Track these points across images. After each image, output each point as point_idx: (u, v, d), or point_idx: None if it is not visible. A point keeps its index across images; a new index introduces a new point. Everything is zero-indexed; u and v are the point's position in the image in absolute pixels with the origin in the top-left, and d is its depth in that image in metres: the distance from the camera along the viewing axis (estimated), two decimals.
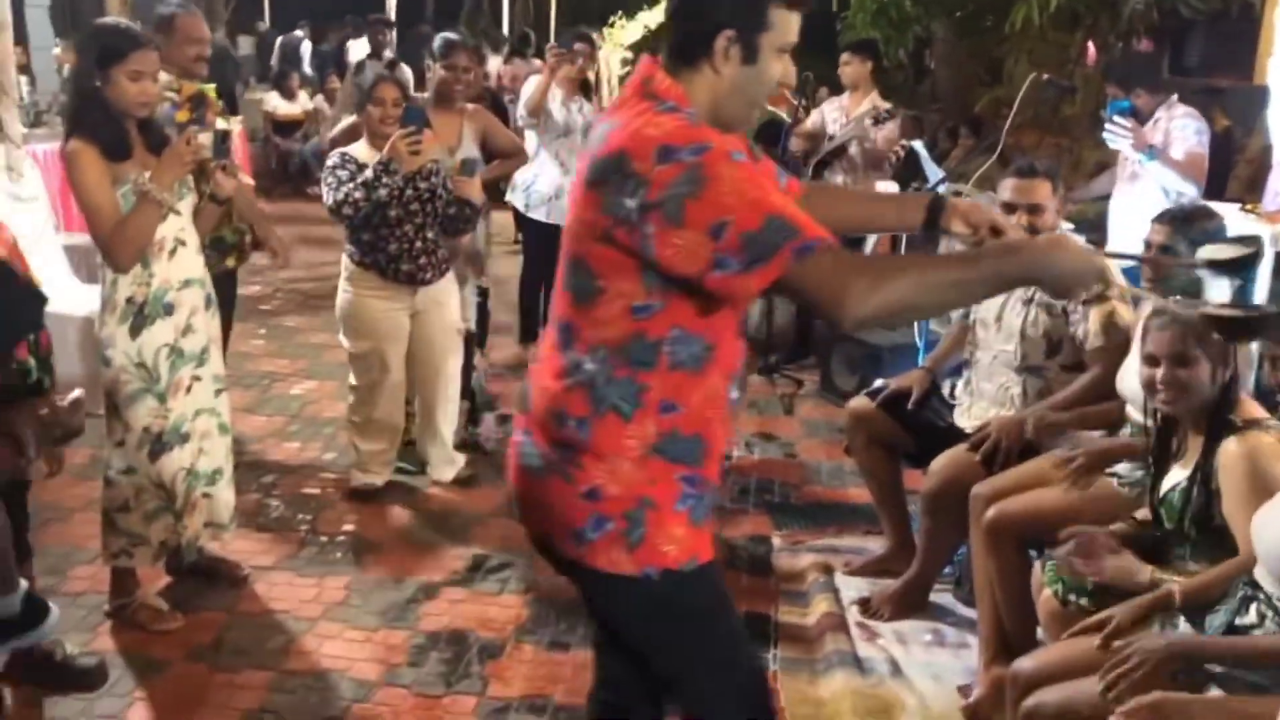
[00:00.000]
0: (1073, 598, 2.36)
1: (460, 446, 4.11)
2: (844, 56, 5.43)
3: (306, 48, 12.77)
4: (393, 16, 8.38)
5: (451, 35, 4.26)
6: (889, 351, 4.73)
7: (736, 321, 1.70)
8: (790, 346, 5.63)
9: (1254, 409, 2.28)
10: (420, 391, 3.91)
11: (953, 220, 1.85)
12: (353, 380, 3.84)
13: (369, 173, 3.49)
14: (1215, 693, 1.89)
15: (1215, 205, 3.42)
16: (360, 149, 3.65)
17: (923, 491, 3.05)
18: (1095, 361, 2.93)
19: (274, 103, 10.57)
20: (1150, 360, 2.28)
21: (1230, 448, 2.16)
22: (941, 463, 3.00)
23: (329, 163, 3.62)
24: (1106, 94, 4.25)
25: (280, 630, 3.00)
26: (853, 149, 5.28)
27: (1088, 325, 2.96)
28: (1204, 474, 2.22)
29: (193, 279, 2.90)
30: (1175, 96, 4.22)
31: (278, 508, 3.75)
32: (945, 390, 3.36)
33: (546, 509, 1.69)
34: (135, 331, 2.80)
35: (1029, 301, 3.06)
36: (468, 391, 4.21)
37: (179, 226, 2.84)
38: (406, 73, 7.06)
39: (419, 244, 3.64)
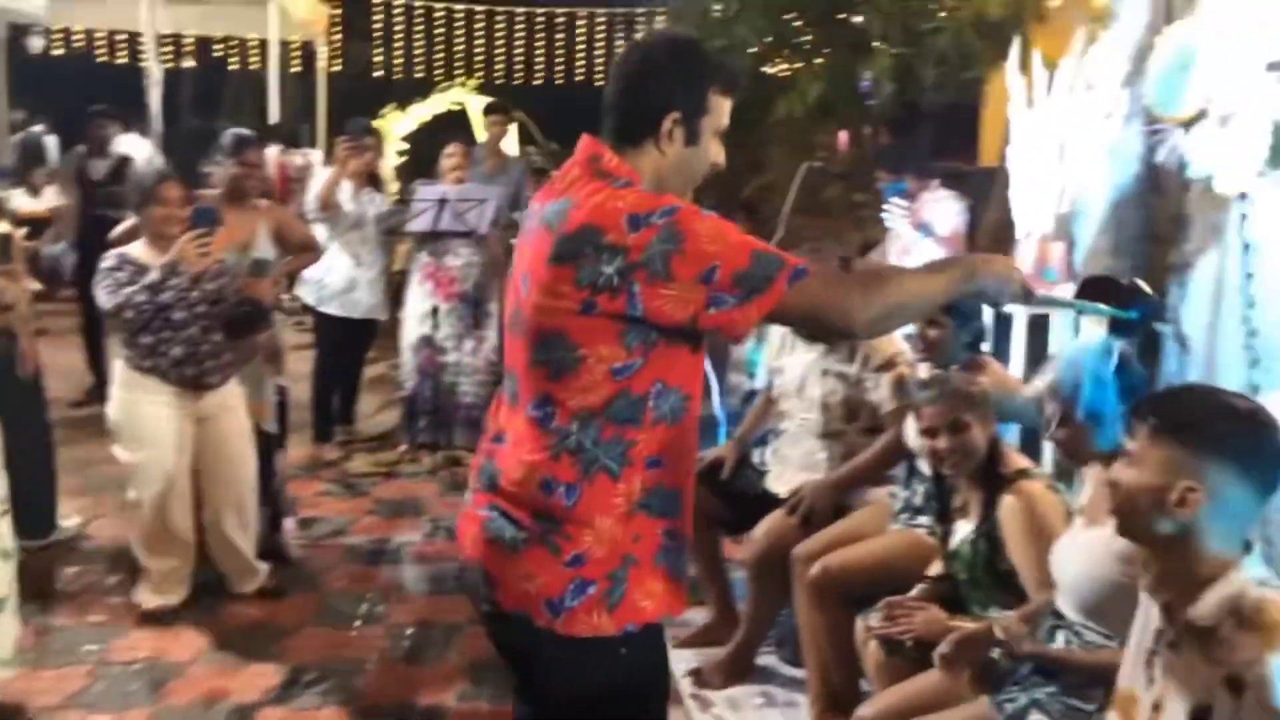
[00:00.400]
0: (900, 648, 2.50)
1: (263, 556, 3.90)
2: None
3: (51, 140, 11.95)
4: (157, 109, 8.01)
5: (243, 131, 4.18)
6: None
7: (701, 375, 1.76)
8: None
9: (1018, 459, 2.54)
10: (212, 501, 3.69)
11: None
12: (132, 494, 3.58)
13: (155, 275, 3.33)
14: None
15: None
16: (138, 249, 3.48)
17: (748, 558, 3.17)
18: (891, 423, 3.15)
19: (18, 200, 9.82)
20: (928, 433, 2.50)
21: (1007, 501, 2.39)
22: (763, 529, 3.12)
23: (105, 264, 3.42)
24: (877, 179, 4.63)
25: None
26: None
27: (881, 391, 3.18)
28: (987, 527, 2.44)
29: None
30: (937, 181, 4.66)
31: (61, 640, 3.41)
32: (755, 459, 3.50)
33: (525, 579, 1.67)
34: None
35: (826, 373, 3.26)
36: (268, 497, 4.01)
37: None
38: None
39: (205, 347, 3.49)
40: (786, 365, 3.37)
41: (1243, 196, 3.54)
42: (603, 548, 1.65)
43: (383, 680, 3.26)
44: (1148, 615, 1.65)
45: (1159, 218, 4.06)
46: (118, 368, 3.49)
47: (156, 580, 3.58)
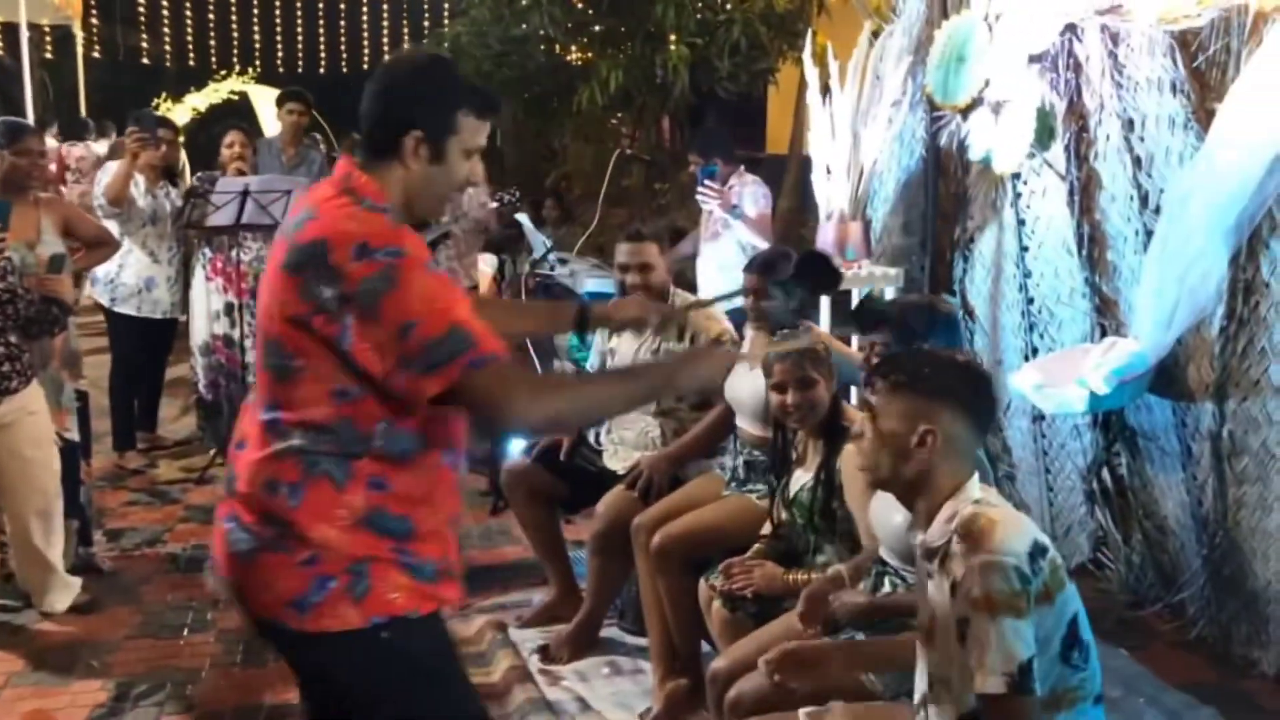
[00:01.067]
0: (737, 606, 2.66)
1: (73, 570, 3.67)
2: None
3: None
4: None
5: (18, 120, 3.88)
6: None
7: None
8: None
9: (856, 414, 2.74)
10: (15, 513, 3.45)
11: (598, 319, 2.24)
12: None
13: None
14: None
15: None
16: None
17: (591, 534, 3.25)
18: (719, 398, 3.31)
19: None
20: (778, 388, 2.66)
21: (849, 450, 2.58)
22: (606, 504, 3.22)
23: None
24: (690, 164, 4.80)
25: None
26: (456, 229, 5.43)
27: None
28: (827, 473, 2.63)
29: None
30: (743, 168, 4.87)
31: None
32: (591, 438, 3.59)
33: (265, 587, 1.67)
34: None
35: (656, 353, 3.38)
36: (75, 508, 3.76)
37: None
38: None
39: (0, 349, 3.25)
40: (619, 346, 3.48)
41: (1016, 176, 3.93)
42: (333, 550, 1.65)
43: (221, 685, 3.16)
44: (918, 553, 1.86)
45: (943, 197, 4.43)
46: None
47: None
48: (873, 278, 4.44)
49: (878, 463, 1.81)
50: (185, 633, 3.49)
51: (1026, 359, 3.92)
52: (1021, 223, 3.96)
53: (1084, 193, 3.64)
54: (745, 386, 3.01)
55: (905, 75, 4.40)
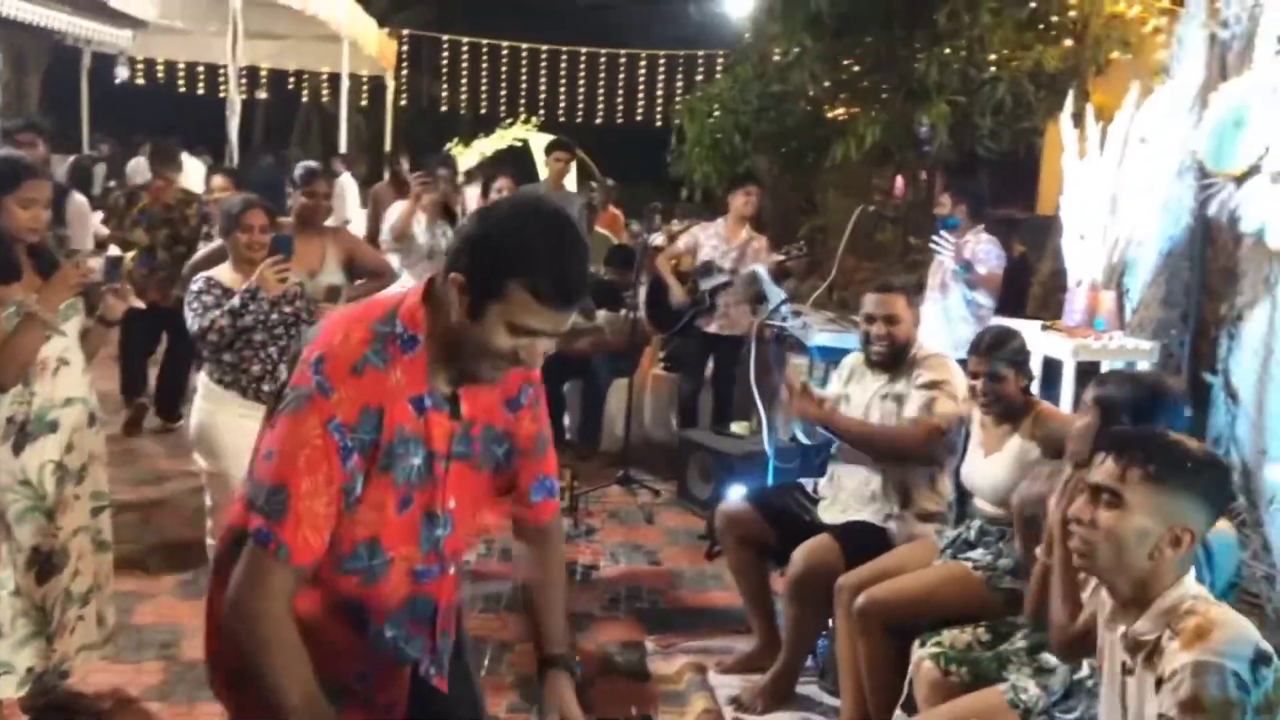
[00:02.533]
0: (953, 669, 2.59)
1: None
2: (749, 188, 5.85)
3: (100, 169, 12.42)
4: (234, 138, 8.35)
5: (311, 163, 4.40)
6: (740, 459, 4.98)
7: (341, 570, 1.63)
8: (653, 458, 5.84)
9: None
10: None
11: (554, 696, 1.82)
12: (209, 502, 3.76)
13: (236, 301, 3.52)
14: None
15: (1018, 322, 3.89)
16: (224, 273, 3.68)
17: (787, 578, 3.24)
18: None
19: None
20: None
21: None
22: (804, 550, 3.21)
23: (193, 288, 3.62)
24: (935, 210, 4.75)
25: None
26: (736, 280, 5.64)
27: (912, 404, 3.28)
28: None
29: (75, 397, 2.88)
30: (982, 225, 4.77)
31: (135, 636, 3.59)
32: (810, 487, 3.60)
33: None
34: (18, 449, 2.77)
35: (885, 398, 3.36)
36: None
37: (63, 346, 2.84)
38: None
39: (283, 365, 3.67)
40: (853, 393, 3.49)
41: None
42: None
43: None
44: (1111, 649, 1.74)
45: (1210, 270, 4.13)
46: (201, 381, 3.68)
47: None
48: (1124, 351, 4.19)
49: (1108, 554, 1.69)
50: None
51: None
52: None
53: None
54: (981, 474, 3.05)
55: (1175, 139, 4.15)
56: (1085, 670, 2.21)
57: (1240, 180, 3.78)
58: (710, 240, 5.86)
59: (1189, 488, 1.66)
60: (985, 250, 4.68)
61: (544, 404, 1.87)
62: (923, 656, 2.66)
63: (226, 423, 3.64)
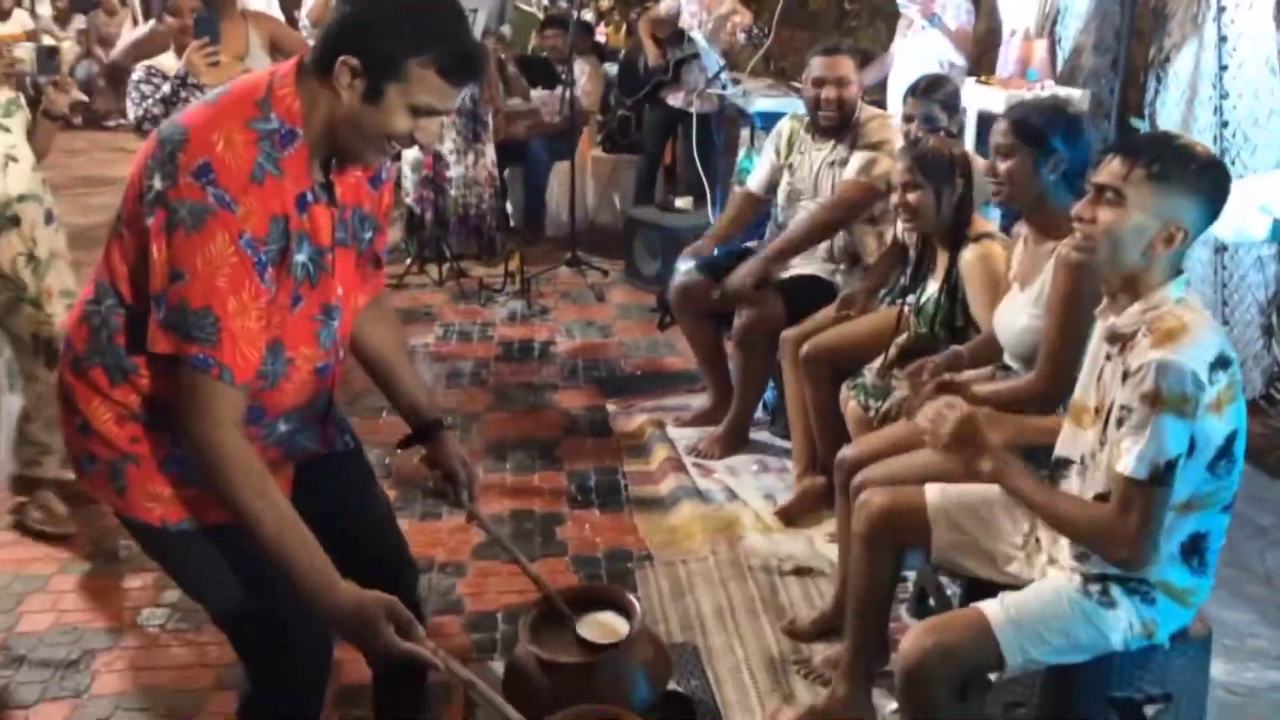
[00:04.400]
0: (872, 404, 2.79)
1: None
2: None
3: None
4: None
5: None
6: (686, 234, 5.05)
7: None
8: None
9: (984, 225, 2.76)
10: None
11: (442, 455, 1.85)
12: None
13: (167, 87, 3.43)
14: None
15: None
16: (166, 60, 3.56)
17: (735, 327, 3.42)
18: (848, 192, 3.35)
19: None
20: (898, 189, 2.73)
21: (967, 255, 2.64)
22: (750, 302, 3.39)
23: (134, 76, 3.50)
24: None
25: None
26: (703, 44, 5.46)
27: (851, 167, 3.35)
28: (950, 282, 2.69)
29: (28, 194, 2.89)
30: None
31: None
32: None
33: (60, 421, 1.69)
34: None
35: (833, 164, 3.43)
36: None
37: (9, 143, 2.84)
38: None
39: None
40: (797, 163, 3.53)
41: None
42: (100, 435, 1.60)
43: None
44: (1098, 338, 1.89)
45: (1140, 13, 4.16)
46: None
47: None
48: (1056, 100, 4.26)
49: (1106, 249, 1.76)
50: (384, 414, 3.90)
51: None
52: (1223, 39, 3.70)
53: None
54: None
55: None
56: None
57: None
58: (690, 6, 5.63)
59: (1189, 187, 1.73)
60: (956, 3, 4.61)
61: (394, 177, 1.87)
62: (847, 396, 2.85)
63: None
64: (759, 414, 3.70)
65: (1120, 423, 1.72)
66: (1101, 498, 1.79)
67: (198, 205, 1.43)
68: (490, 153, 5.70)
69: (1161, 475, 1.67)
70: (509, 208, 6.28)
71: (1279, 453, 3.42)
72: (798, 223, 3.43)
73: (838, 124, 3.40)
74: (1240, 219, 3.18)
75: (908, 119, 3.23)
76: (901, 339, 2.84)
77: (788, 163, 3.57)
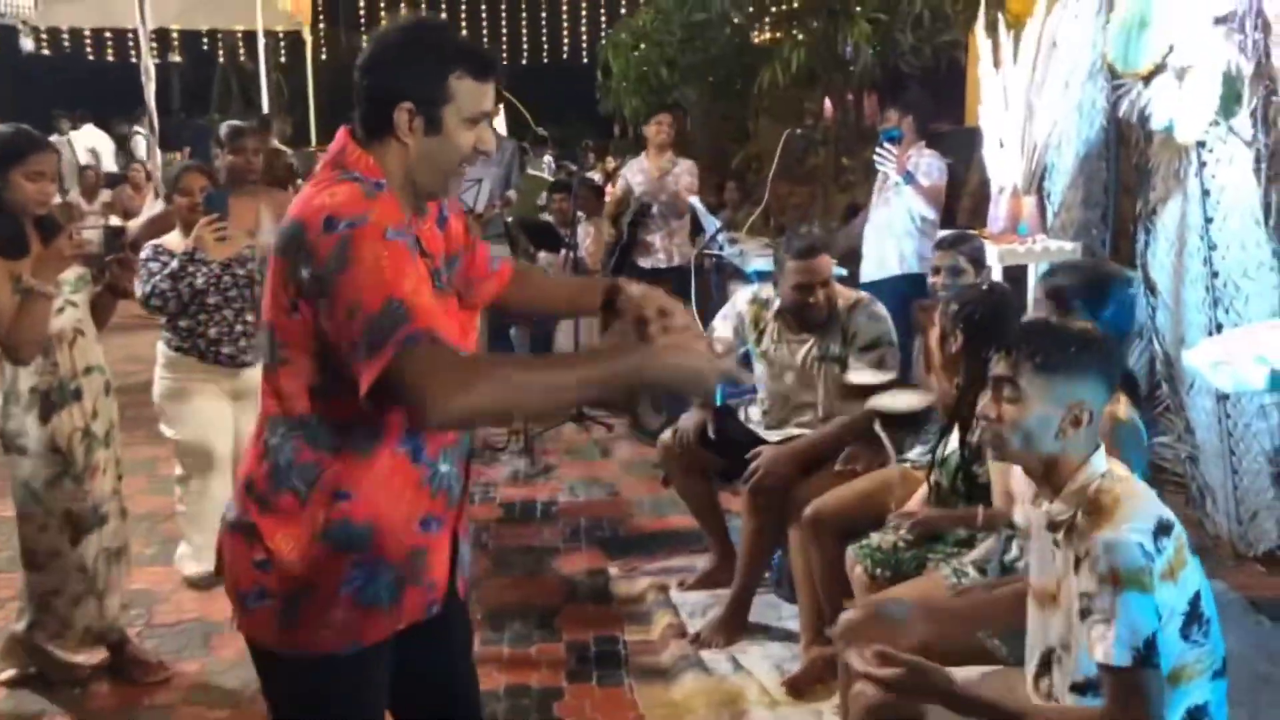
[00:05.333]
0: (879, 571, 2.73)
1: None
2: (660, 118, 5.86)
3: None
4: (153, 104, 8.14)
5: (237, 122, 4.37)
6: None
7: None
8: None
9: None
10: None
11: (628, 303, 1.83)
12: (179, 470, 3.79)
13: (175, 263, 3.52)
14: None
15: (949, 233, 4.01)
16: (173, 239, 3.67)
17: (747, 487, 3.31)
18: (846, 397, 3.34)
19: None
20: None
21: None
22: (765, 459, 3.29)
23: (142, 255, 3.61)
24: (883, 124, 4.83)
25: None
26: (655, 208, 5.68)
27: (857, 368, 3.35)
28: (967, 433, 2.66)
29: (93, 366, 3.07)
30: (924, 141, 4.85)
31: None
32: (742, 415, 3.69)
33: (227, 561, 1.68)
34: (45, 418, 2.94)
35: (823, 359, 3.41)
36: None
37: (77, 317, 3.01)
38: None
39: (239, 327, 3.68)
40: (774, 354, 3.50)
41: (1201, 145, 3.75)
42: (283, 564, 1.61)
43: None
44: (1038, 526, 1.88)
45: (1125, 168, 4.26)
46: (159, 350, 3.70)
47: (199, 548, 3.79)
48: (1048, 253, 4.33)
49: (1019, 442, 1.79)
50: None
51: (1210, 335, 3.74)
52: (1206, 193, 3.77)
53: (1273, 160, 3.46)
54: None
55: (1085, 43, 4.25)
56: (1015, 551, 2.36)
57: (1148, 79, 3.90)
58: (636, 176, 5.89)
59: (1076, 368, 1.76)
60: (928, 163, 4.77)
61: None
62: (853, 560, 2.80)
63: (188, 389, 3.67)
64: (765, 574, 3.61)
65: (1085, 612, 1.69)
66: (1078, 687, 1.75)
67: (335, 251, 1.48)
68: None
69: (1145, 656, 1.64)
70: None
71: None
72: (833, 427, 3.35)
73: (826, 320, 3.40)
74: (1238, 370, 3.18)
75: (935, 271, 3.30)
76: (922, 492, 2.80)
77: (761, 350, 3.54)
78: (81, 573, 3.02)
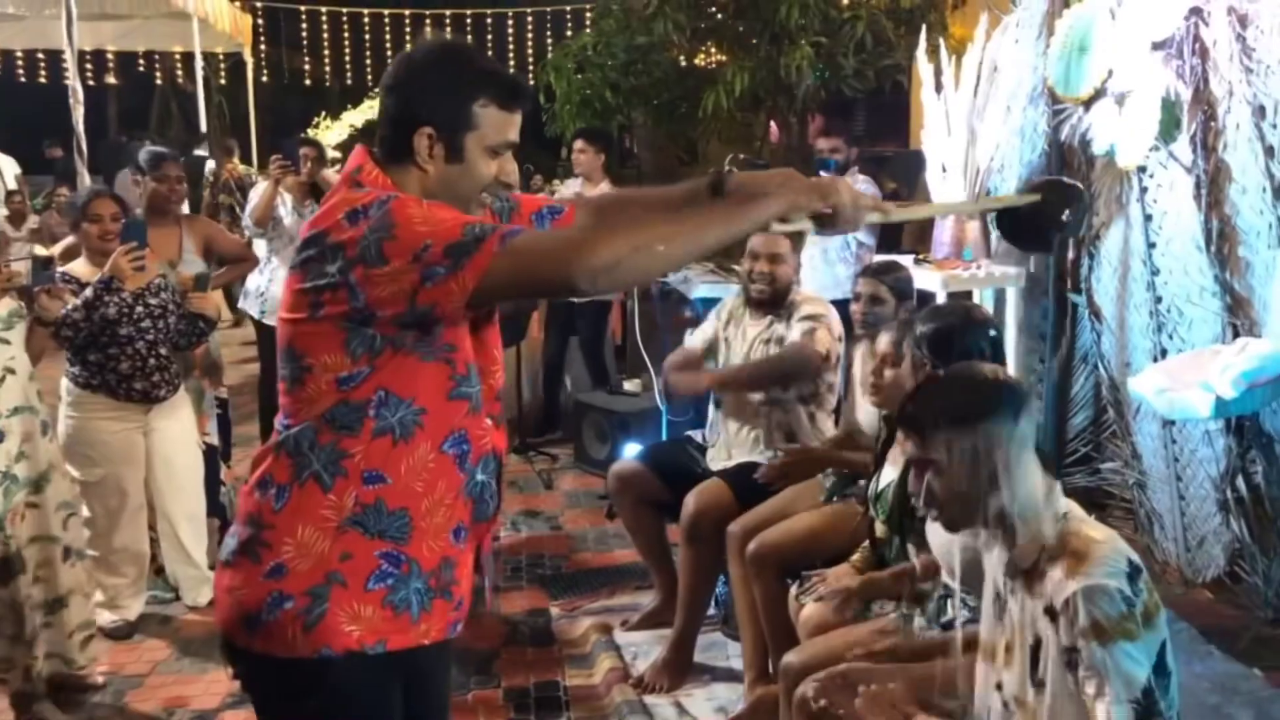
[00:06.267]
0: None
1: (214, 566, 3.93)
2: (578, 145, 5.65)
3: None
4: (80, 128, 7.89)
5: (159, 148, 4.22)
6: (634, 417, 4.99)
7: (455, 393, 1.60)
8: (537, 422, 5.79)
9: None
10: (163, 512, 3.73)
11: (741, 185, 1.78)
12: (86, 512, 3.60)
13: (89, 292, 3.35)
14: None
15: (895, 257, 3.97)
16: (80, 267, 3.51)
17: (681, 523, 3.24)
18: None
19: None
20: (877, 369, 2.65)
21: None
22: (694, 495, 3.24)
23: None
24: (830, 153, 4.77)
25: None
26: None
27: (793, 332, 3.33)
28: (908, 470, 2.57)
29: (22, 406, 2.93)
30: (856, 168, 4.81)
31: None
32: (697, 438, 3.62)
33: (228, 594, 1.59)
34: None
35: (768, 341, 3.39)
36: (216, 508, 4.05)
37: (8, 355, 2.87)
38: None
39: (152, 361, 3.52)
40: (732, 337, 3.50)
41: (1142, 170, 3.74)
42: (305, 561, 1.54)
43: None
44: (993, 572, 1.80)
45: None
46: (64, 386, 3.51)
47: (112, 595, 3.61)
48: (992, 279, 4.31)
49: (961, 511, 1.72)
50: None
51: (1155, 360, 3.72)
52: (1148, 218, 3.76)
53: (1213, 185, 3.44)
54: (865, 413, 3.09)
55: (1025, 68, 4.25)
56: (950, 613, 2.27)
57: (1088, 104, 3.89)
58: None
59: (978, 418, 1.69)
60: (862, 190, 4.72)
61: None
62: (797, 598, 2.71)
63: (97, 426, 3.49)
64: (710, 610, 3.50)
65: (1071, 665, 1.60)
66: None
67: (373, 227, 1.46)
68: None
69: (1146, 706, 1.56)
70: None
71: (1251, 634, 3.27)
72: (749, 364, 3.38)
73: (769, 298, 3.39)
74: (1182, 398, 3.15)
75: (855, 298, 3.22)
76: (855, 559, 2.71)
77: (724, 337, 3.54)
78: (13, 613, 2.94)
